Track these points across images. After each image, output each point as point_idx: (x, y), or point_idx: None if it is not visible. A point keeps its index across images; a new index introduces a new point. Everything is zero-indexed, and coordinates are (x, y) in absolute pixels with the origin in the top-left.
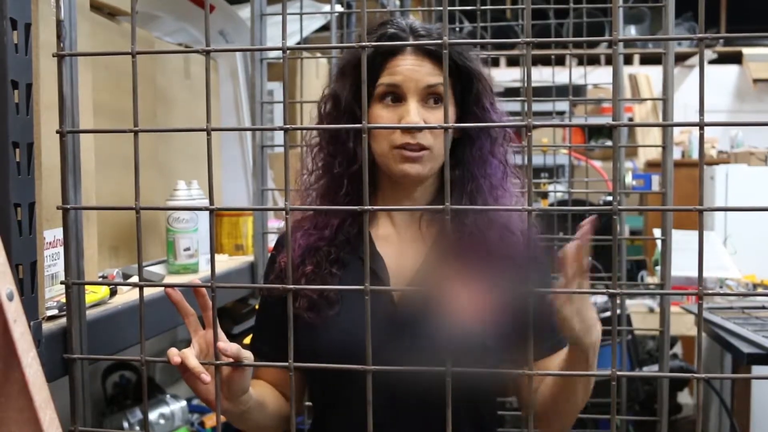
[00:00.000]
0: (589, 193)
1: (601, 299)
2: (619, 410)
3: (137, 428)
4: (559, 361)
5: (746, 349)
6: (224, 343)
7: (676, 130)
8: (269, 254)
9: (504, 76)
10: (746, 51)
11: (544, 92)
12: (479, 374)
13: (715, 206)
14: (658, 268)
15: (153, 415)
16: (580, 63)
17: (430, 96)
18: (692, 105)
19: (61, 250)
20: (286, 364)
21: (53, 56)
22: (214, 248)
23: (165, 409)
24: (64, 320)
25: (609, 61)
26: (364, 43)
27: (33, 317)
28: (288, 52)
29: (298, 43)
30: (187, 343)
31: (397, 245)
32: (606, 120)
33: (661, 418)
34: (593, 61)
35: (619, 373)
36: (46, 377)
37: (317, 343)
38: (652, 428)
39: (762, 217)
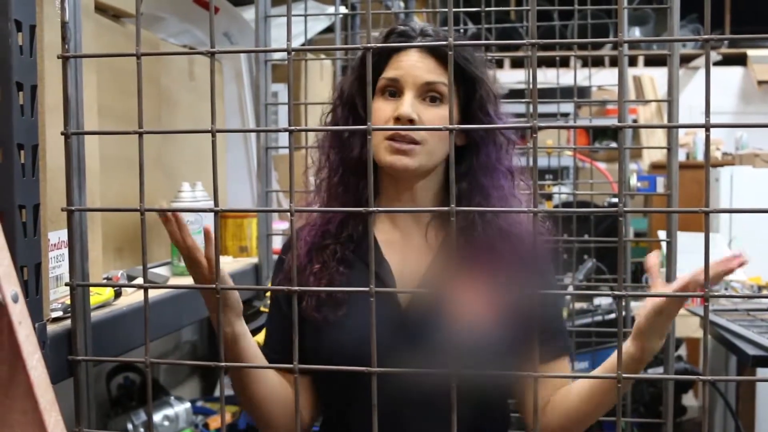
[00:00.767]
0: (594, 195)
1: (606, 301)
2: (624, 412)
3: (141, 430)
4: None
5: (751, 351)
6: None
7: (680, 131)
8: (275, 257)
9: (508, 77)
10: (751, 53)
11: (548, 94)
12: (485, 378)
13: (720, 208)
14: (663, 269)
15: (157, 417)
16: (585, 64)
17: (429, 93)
18: (697, 107)
19: (65, 251)
20: (291, 366)
21: (58, 58)
22: (219, 250)
23: (169, 411)
24: (68, 322)
25: (613, 62)
26: (368, 45)
27: (38, 319)
28: (293, 53)
29: (303, 45)
30: (192, 344)
31: (403, 251)
32: (611, 121)
33: (666, 420)
34: (598, 62)
35: (624, 375)
36: (51, 379)
37: (325, 345)
38: (657, 430)
39: (767, 219)
